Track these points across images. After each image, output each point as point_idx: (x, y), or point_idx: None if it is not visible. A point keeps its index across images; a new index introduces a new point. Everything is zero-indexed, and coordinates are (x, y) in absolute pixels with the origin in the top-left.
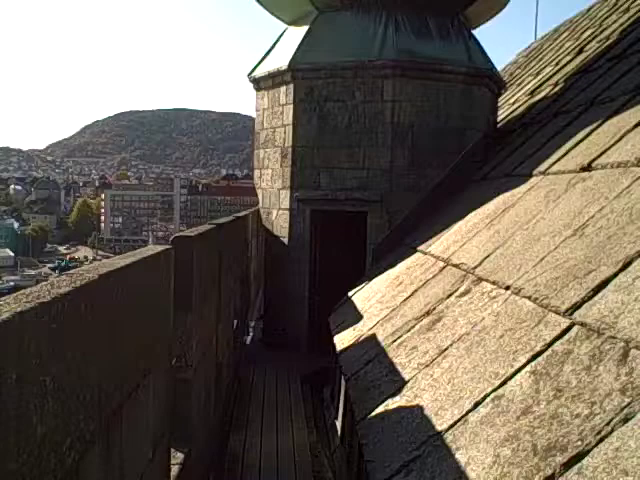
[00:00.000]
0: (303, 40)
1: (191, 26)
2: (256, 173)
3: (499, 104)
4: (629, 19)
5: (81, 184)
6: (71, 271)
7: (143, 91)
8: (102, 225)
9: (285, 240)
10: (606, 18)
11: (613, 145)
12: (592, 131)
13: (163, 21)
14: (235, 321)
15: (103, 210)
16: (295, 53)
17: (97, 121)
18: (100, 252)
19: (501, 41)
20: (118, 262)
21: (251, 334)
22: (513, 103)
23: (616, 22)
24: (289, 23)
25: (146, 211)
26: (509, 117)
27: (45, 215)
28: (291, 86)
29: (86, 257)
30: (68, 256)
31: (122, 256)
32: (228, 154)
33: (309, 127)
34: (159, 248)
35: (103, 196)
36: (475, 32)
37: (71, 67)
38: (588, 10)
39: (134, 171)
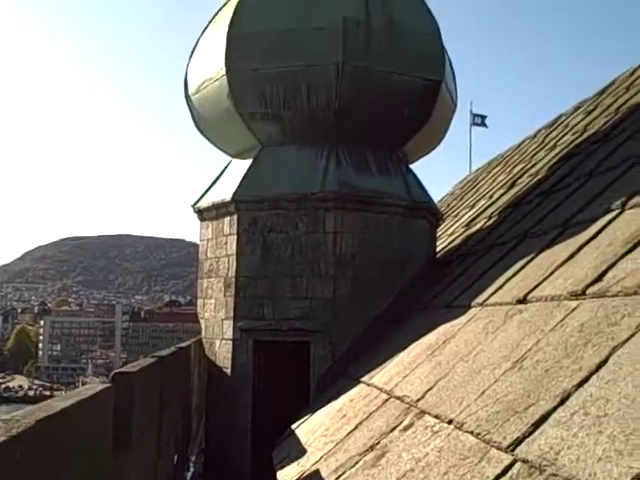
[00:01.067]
0: (247, 173)
1: (136, 153)
2: (199, 302)
3: (438, 235)
4: (555, 156)
5: (19, 310)
6: (5, 417)
7: (88, 216)
8: (40, 352)
9: (228, 371)
10: (535, 154)
11: (546, 278)
12: (526, 264)
13: (109, 149)
14: (176, 456)
15: (42, 337)
16: (239, 185)
17: (39, 246)
18: (36, 381)
19: (438, 172)
20: (56, 405)
21: (192, 469)
22: (451, 234)
23: (544, 159)
24: (234, 156)
25: (86, 338)
26: (448, 247)
27: None
28: (235, 217)
29: (21, 386)
30: (2, 385)
31: (60, 397)
32: (172, 280)
33: (252, 257)
34: (99, 387)
35: (42, 323)
36: (413, 165)
37: (13, 193)
38: (519, 145)
39: (75, 297)
